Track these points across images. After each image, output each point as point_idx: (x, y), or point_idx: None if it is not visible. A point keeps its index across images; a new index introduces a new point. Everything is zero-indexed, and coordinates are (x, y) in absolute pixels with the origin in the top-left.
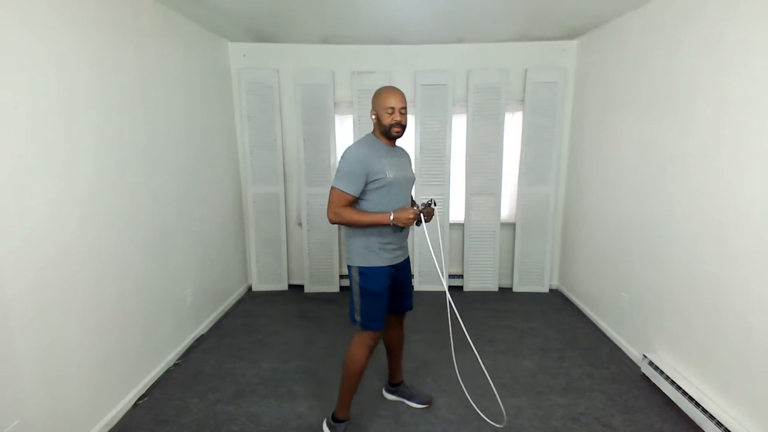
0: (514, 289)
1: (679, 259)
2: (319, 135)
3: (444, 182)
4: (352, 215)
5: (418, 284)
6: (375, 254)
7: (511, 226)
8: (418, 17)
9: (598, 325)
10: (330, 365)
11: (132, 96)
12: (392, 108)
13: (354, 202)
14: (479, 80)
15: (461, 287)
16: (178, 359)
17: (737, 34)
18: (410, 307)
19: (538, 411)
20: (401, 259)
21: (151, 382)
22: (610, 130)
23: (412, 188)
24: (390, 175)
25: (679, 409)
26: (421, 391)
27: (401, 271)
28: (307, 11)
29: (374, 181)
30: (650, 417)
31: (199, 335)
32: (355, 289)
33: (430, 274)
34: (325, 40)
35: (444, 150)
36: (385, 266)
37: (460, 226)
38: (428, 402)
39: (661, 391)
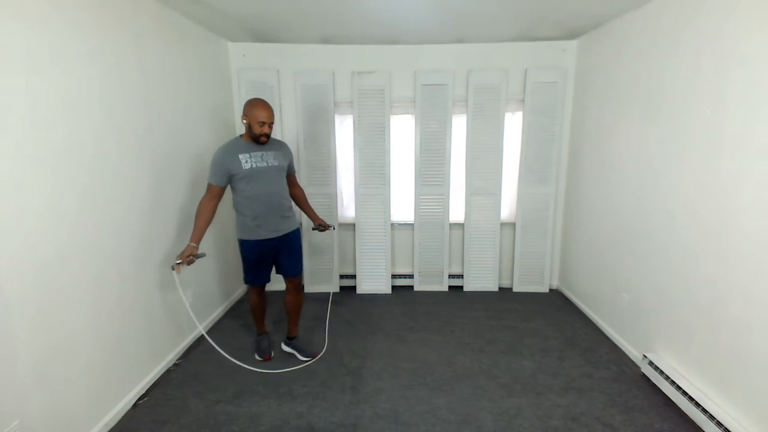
0: (514, 289)
1: (678, 259)
2: (319, 135)
3: (444, 182)
4: (199, 215)
5: (418, 284)
6: (248, 230)
7: (511, 226)
8: (419, 17)
9: (598, 325)
10: (330, 365)
11: (132, 95)
12: (263, 122)
13: (223, 191)
14: (479, 80)
15: (461, 287)
16: (178, 359)
17: (737, 34)
18: (295, 273)
19: (538, 411)
20: (276, 235)
21: (151, 382)
22: (610, 130)
23: (281, 175)
24: (246, 166)
25: (679, 409)
26: (309, 347)
27: (281, 242)
28: (308, 12)
29: (235, 174)
30: (650, 417)
31: (199, 335)
32: (240, 255)
33: (430, 275)
34: (326, 40)
35: (444, 150)
36: (255, 239)
37: (460, 226)
38: (313, 355)
39: (661, 391)
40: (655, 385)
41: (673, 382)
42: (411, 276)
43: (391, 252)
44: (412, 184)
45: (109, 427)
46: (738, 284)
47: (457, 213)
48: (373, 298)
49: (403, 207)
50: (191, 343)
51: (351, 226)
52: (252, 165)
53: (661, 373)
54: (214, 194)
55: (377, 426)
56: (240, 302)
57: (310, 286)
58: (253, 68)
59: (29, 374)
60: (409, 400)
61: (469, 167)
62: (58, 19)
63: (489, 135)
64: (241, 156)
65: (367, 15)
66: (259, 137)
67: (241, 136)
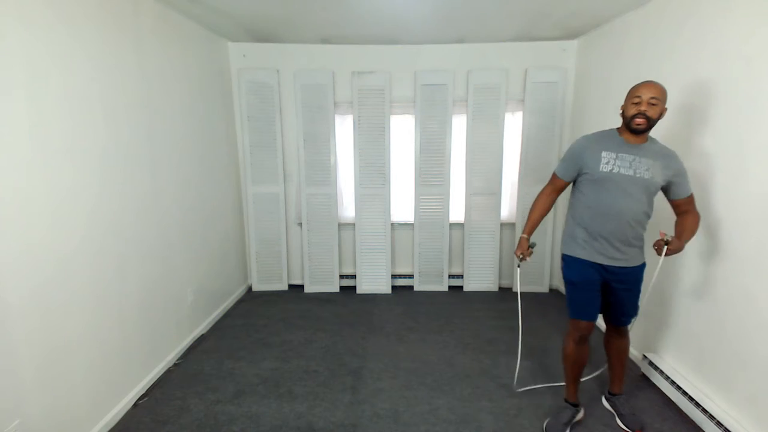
0: (514, 289)
1: (678, 259)
2: (319, 135)
3: (444, 182)
4: (535, 207)
5: (418, 284)
6: (577, 245)
7: (511, 226)
8: (419, 17)
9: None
10: (330, 365)
11: (132, 97)
12: (639, 97)
13: (566, 186)
14: (479, 80)
15: (461, 287)
16: (178, 359)
17: (736, 32)
18: (625, 322)
19: (538, 411)
20: (615, 264)
21: (151, 382)
22: None
23: (647, 192)
24: (605, 169)
25: (679, 409)
26: (636, 416)
27: (618, 280)
28: (307, 12)
29: (586, 173)
30: (650, 417)
31: (199, 335)
32: (563, 278)
33: (430, 275)
34: (325, 40)
35: (444, 150)
36: (586, 260)
37: (460, 226)
38: (637, 430)
39: (661, 391)
40: (655, 385)
41: (673, 382)
42: (411, 276)
43: (391, 252)
44: (412, 184)
45: (109, 427)
46: (740, 284)
47: (457, 213)
48: (373, 298)
49: (403, 207)
50: (191, 343)
51: (351, 226)
52: (612, 168)
53: (661, 373)
54: (556, 187)
55: (377, 426)
56: (240, 302)
57: (311, 285)
58: (253, 68)
59: (30, 374)
60: (409, 400)
61: (469, 167)
62: (56, 21)
63: (489, 135)
64: (605, 153)
65: (367, 15)
66: (631, 121)
67: (617, 129)
